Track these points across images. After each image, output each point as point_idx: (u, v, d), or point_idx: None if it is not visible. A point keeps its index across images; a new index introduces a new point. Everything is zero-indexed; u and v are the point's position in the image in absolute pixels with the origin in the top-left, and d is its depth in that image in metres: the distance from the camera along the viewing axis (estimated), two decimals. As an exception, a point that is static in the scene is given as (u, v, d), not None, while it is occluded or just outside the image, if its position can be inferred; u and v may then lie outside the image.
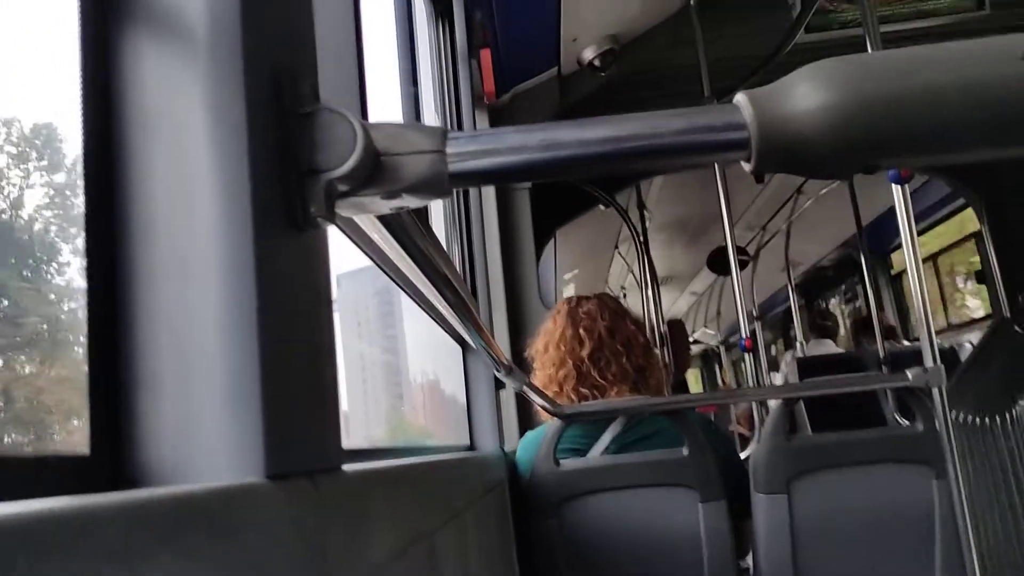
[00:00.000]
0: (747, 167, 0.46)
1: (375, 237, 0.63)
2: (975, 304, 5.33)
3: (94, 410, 0.36)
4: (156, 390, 0.37)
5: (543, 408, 1.84)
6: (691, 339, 9.80)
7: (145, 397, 0.37)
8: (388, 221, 0.61)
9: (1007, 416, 2.74)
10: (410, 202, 0.47)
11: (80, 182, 0.37)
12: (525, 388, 1.75)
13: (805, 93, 0.43)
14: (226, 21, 0.39)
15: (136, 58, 0.39)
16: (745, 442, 4.68)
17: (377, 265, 0.91)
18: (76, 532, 0.24)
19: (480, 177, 0.46)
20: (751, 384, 4.09)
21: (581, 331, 1.94)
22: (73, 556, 0.23)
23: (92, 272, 0.37)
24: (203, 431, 0.37)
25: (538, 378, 1.97)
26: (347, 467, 0.49)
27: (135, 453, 0.37)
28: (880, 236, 5.41)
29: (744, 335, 3.19)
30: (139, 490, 0.35)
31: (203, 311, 0.37)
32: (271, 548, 0.35)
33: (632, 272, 5.93)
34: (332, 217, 0.45)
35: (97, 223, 0.38)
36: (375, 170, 0.44)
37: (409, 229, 0.66)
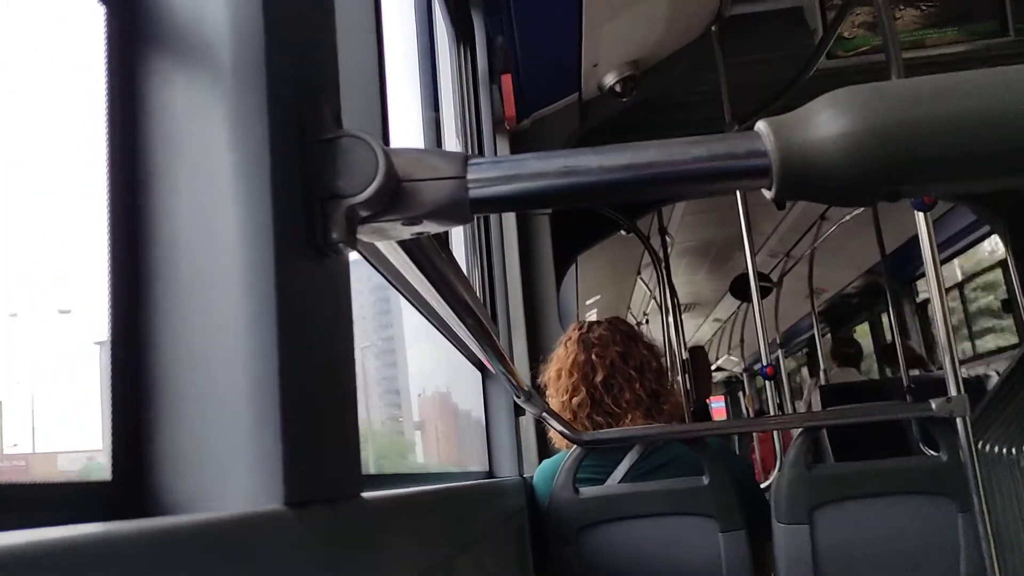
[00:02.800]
0: (768, 195, 0.46)
1: (395, 262, 0.63)
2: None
3: (116, 436, 0.36)
4: (177, 416, 0.37)
5: (561, 435, 1.82)
6: (714, 366, 9.75)
7: (166, 423, 0.37)
8: (408, 246, 0.61)
9: (1035, 447, 2.69)
10: (431, 228, 0.47)
11: (106, 205, 0.38)
12: (544, 414, 1.74)
13: (826, 121, 0.43)
14: (250, 47, 0.40)
15: (161, 82, 0.40)
16: (768, 471, 4.63)
17: (397, 290, 0.91)
18: (98, 560, 0.24)
19: (501, 203, 0.46)
20: (774, 412, 4.05)
21: (594, 357, 1.91)
22: (92, 582, 0.23)
23: (115, 296, 0.37)
24: (224, 457, 0.37)
25: (552, 406, 1.96)
26: (366, 494, 0.49)
27: (156, 479, 0.37)
28: (905, 263, 5.36)
29: (765, 362, 3.17)
30: (161, 518, 0.35)
31: (224, 336, 0.38)
32: (289, 575, 0.35)
33: (654, 298, 5.91)
34: (353, 242, 0.45)
35: (120, 247, 0.38)
36: (396, 196, 0.44)
37: (430, 254, 0.66)
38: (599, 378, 1.90)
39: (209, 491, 0.36)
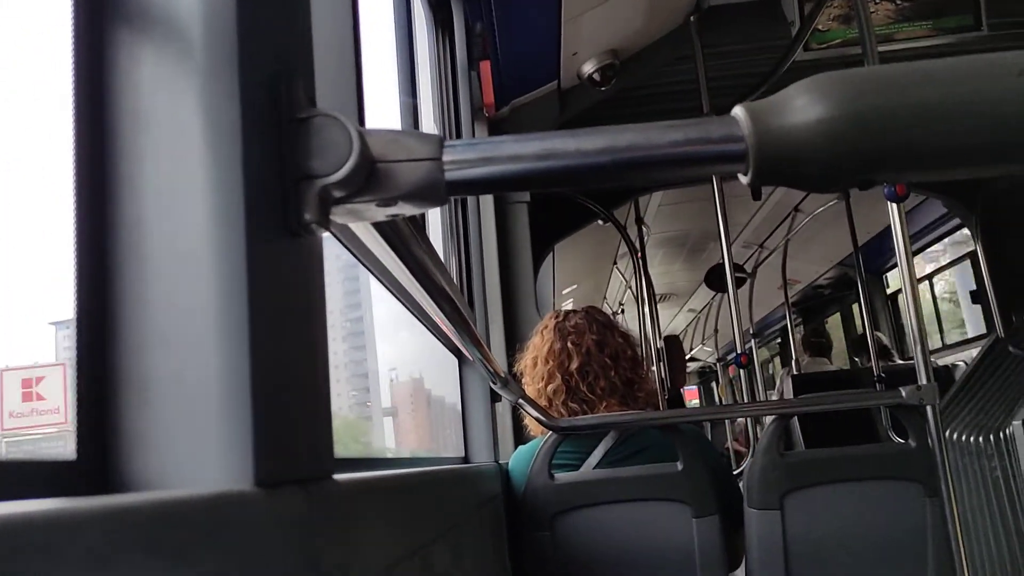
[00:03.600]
0: (744, 180, 0.46)
1: (371, 245, 0.63)
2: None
3: (82, 415, 0.36)
4: (145, 395, 0.37)
5: (537, 421, 1.83)
6: (689, 356, 9.82)
7: (134, 402, 0.37)
8: (384, 229, 0.61)
9: (1000, 436, 2.74)
10: (406, 210, 0.47)
11: (72, 184, 0.37)
12: (521, 401, 1.74)
13: (803, 106, 0.43)
14: (222, 25, 0.39)
15: (130, 61, 0.39)
16: (742, 459, 4.67)
17: (372, 273, 0.90)
18: (58, 535, 0.23)
19: (476, 186, 0.46)
20: (747, 400, 4.09)
21: (569, 345, 1.93)
22: (54, 559, 0.23)
23: (81, 276, 0.37)
24: (192, 437, 0.36)
25: (528, 392, 1.97)
26: (339, 476, 0.49)
27: (123, 459, 0.36)
28: (877, 255, 5.43)
29: (739, 351, 3.19)
30: (124, 494, 0.34)
31: (194, 316, 0.37)
32: (259, 556, 0.35)
33: (630, 288, 5.93)
34: (326, 223, 0.44)
35: (88, 226, 0.37)
36: (371, 177, 0.44)
37: (405, 237, 0.65)
38: (574, 366, 1.91)
39: (177, 472, 0.36)
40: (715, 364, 10.37)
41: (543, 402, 1.92)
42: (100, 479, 0.36)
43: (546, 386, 1.93)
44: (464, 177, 0.45)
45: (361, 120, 0.78)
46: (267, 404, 0.38)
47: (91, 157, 0.38)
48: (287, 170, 0.42)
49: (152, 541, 0.27)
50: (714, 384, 11.80)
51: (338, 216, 0.46)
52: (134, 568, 0.26)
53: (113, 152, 0.38)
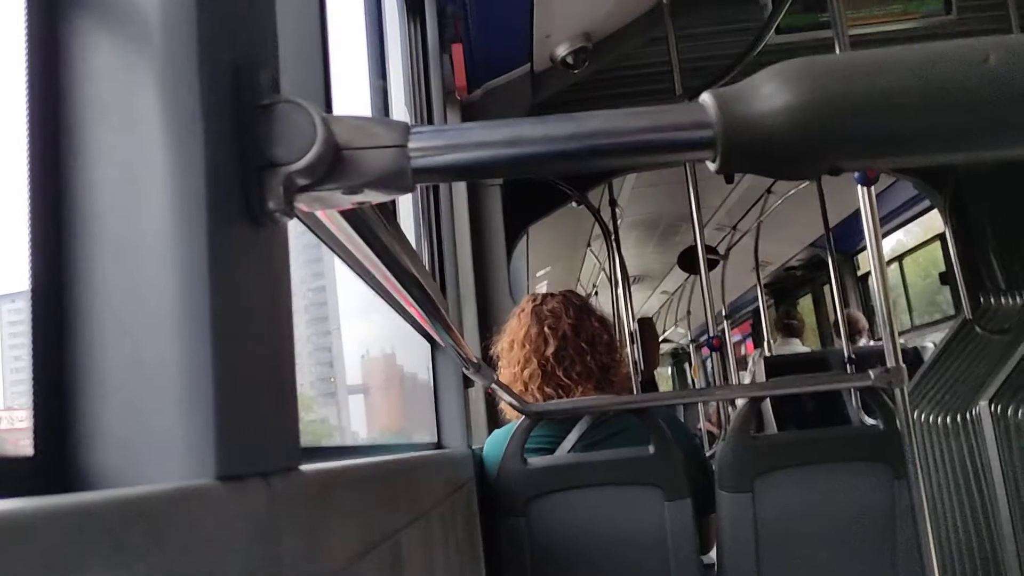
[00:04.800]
0: (712, 167, 0.46)
1: (338, 232, 0.62)
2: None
3: (38, 409, 0.35)
4: (103, 389, 0.36)
5: (511, 406, 1.83)
6: (661, 338, 9.87)
7: (92, 396, 0.36)
8: (351, 216, 0.60)
9: (967, 416, 2.79)
10: (372, 197, 0.46)
11: (25, 173, 0.36)
12: (494, 386, 1.74)
13: (771, 93, 0.43)
14: (181, 10, 0.38)
15: (86, 48, 0.38)
16: (715, 439, 4.71)
17: (343, 260, 0.90)
18: (15, 535, 0.23)
19: (443, 173, 0.46)
20: (719, 383, 4.13)
21: (546, 329, 1.93)
22: (11, 560, 0.22)
23: (36, 266, 0.36)
24: (152, 431, 0.36)
25: (503, 376, 1.97)
26: (305, 467, 0.48)
27: (81, 454, 0.35)
28: (848, 237, 5.48)
29: (712, 334, 3.22)
30: (83, 493, 0.34)
31: (153, 307, 0.36)
32: (222, 552, 0.34)
33: (604, 270, 5.95)
34: (291, 211, 0.44)
35: (42, 216, 0.36)
36: (336, 164, 0.43)
37: (373, 224, 0.65)
38: (550, 350, 1.91)
39: (137, 465, 0.35)
40: (688, 346, 10.45)
41: (519, 386, 1.93)
42: (58, 475, 0.35)
43: (522, 370, 1.93)
44: (431, 164, 0.44)
45: (328, 106, 0.77)
46: (230, 395, 0.37)
47: (45, 147, 0.37)
48: (250, 158, 0.41)
49: (114, 540, 0.27)
50: (687, 365, 11.89)
51: (303, 204, 0.45)
52: (94, 567, 0.26)
53: (69, 141, 0.37)
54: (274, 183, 0.42)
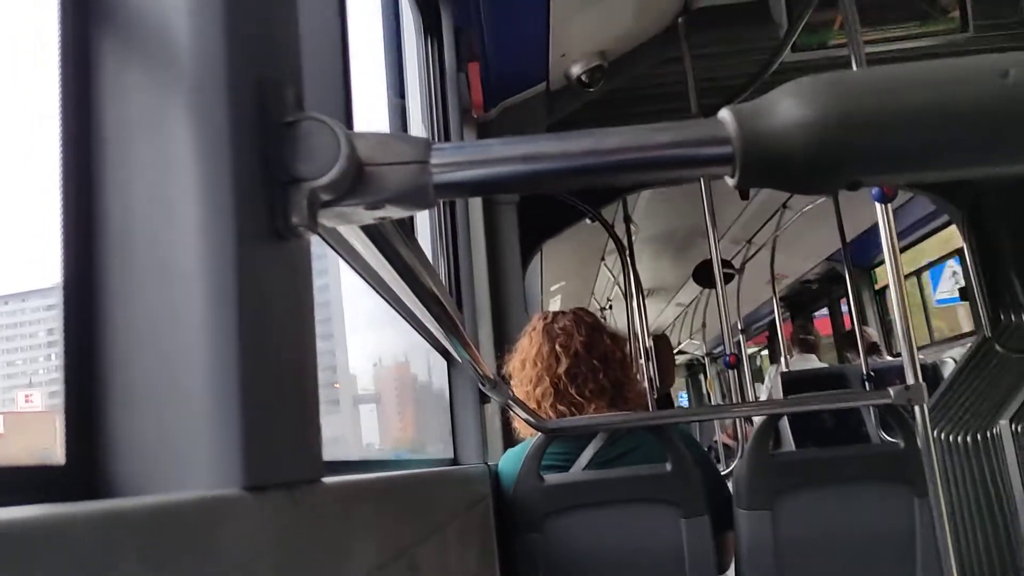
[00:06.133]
0: (731, 182, 0.46)
1: (359, 248, 0.63)
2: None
3: (70, 419, 0.36)
4: (133, 399, 0.37)
5: (526, 422, 1.83)
6: (676, 350, 9.84)
7: (122, 406, 0.37)
8: (372, 232, 0.61)
9: (988, 435, 2.76)
10: (394, 213, 0.47)
11: (59, 189, 0.37)
12: (510, 402, 1.74)
13: (789, 109, 0.43)
14: (209, 29, 0.39)
15: (117, 66, 0.39)
16: (731, 453, 4.68)
17: (361, 276, 0.90)
18: (47, 542, 0.23)
19: (464, 189, 0.46)
20: (736, 397, 4.10)
21: (558, 347, 1.93)
22: (43, 566, 0.23)
23: (69, 279, 0.37)
24: (181, 441, 0.36)
25: (516, 394, 1.96)
26: (327, 479, 0.49)
27: (111, 463, 0.36)
28: (864, 251, 5.45)
29: (728, 351, 3.20)
30: (113, 500, 0.34)
31: (182, 320, 0.37)
32: (247, 560, 0.35)
33: (618, 285, 5.94)
34: (314, 227, 0.44)
35: (75, 231, 0.37)
36: (358, 180, 0.44)
37: (393, 240, 0.65)
38: (562, 368, 1.91)
39: (165, 475, 0.36)
40: (703, 358, 10.40)
41: (532, 404, 1.92)
42: (89, 484, 0.36)
43: (534, 389, 1.93)
44: (452, 180, 0.45)
45: (349, 123, 0.78)
46: (256, 407, 0.38)
47: (79, 163, 0.38)
48: (275, 173, 0.42)
49: (141, 546, 0.27)
50: (702, 377, 11.83)
51: (326, 219, 0.46)
52: (123, 573, 0.26)
53: (101, 157, 0.38)
54: (298, 198, 0.43)
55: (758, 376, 7.69)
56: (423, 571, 0.81)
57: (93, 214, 0.38)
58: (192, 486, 0.35)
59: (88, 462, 0.36)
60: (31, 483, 0.34)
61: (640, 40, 3.04)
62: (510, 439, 2.30)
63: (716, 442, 5.74)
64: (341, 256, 0.79)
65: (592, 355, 1.92)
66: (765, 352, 9.47)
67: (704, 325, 8.49)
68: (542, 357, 1.93)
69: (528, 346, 1.98)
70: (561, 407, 1.90)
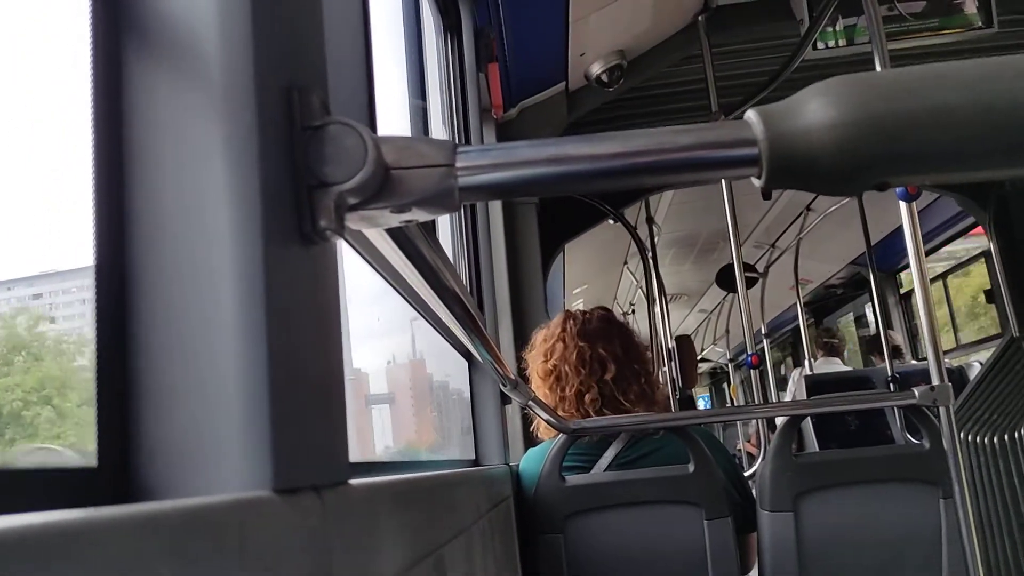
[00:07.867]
0: (757, 183, 0.46)
1: (384, 250, 0.63)
2: None
3: (102, 422, 0.36)
4: (164, 403, 0.37)
5: (548, 423, 1.82)
6: (700, 357, 9.80)
7: (153, 410, 0.37)
8: (397, 234, 0.61)
9: (1015, 436, 2.73)
10: (419, 215, 0.47)
11: (91, 195, 0.37)
12: (531, 403, 1.74)
13: (816, 110, 0.43)
14: (237, 35, 0.39)
15: (147, 71, 0.39)
16: (753, 461, 4.65)
17: (384, 278, 0.91)
18: (81, 544, 0.24)
19: (489, 191, 0.46)
20: (759, 400, 4.08)
21: (601, 351, 1.89)
22: (78, 569, 0.23)
23: (101, 284, 0.37)
24: (211, 444, 0.37)
25: (548, 400, 1.93)
26: (354, 481, 0.49)
27: (143, 466, 0.37)
28: (890, 254, 5.40)
29: (751, 352, 3.18)
30: (146, 503, 0.35)
31: (212, 323, 0.37)
32: (278, 562, 0.35)
33: (641, 288, 5.92)
34: (341, 230, 0.45)
35: (107, 235, 0.38)
36: (385, 183, 0.44)
37: (418, 243, 0.66)
38: (609, 375, 1.87)
39: (196, 478, 0.36)
40: (727, 365, 10.34)
41: (568, 408, 1.89)
42: (121, 486, 0.36)
43: (574, 394, 1.88)
44: (477, 183, 0.45)
45: (373, 126, 0.78)
46: (285, 410, 0.38)
47: (110, 169, 0.38)
48: (302, 178, 0.43)
49: (174, 548, 0.27)
50: (725, 385, 11.77)
51: (352, 222, 0.46)
52: (156, 575, 0.26)
53: (131, 162, 0.39)
54: (325, 202, 0.43)
55: (782, 386, 7.63)
56: (449, 572, 0.81)
57: (124, 219, 0.38)
58: (222, 489, 0.36)
59: (119, 465, 0.36)
60: (65, 485, 0.34)
61: (660, 38, 3.03)
62: (531, 441, 2.30)
63: (740, 450, 5.71)
64: (364, 258, 0.79)
65: (631, 359, 1.90)
66: (789, 360, 9.40)
67: (727, 332, 8.45)
68: (584, 361, 1.89)
69: (563, 350, 1.92)
70: (608, 412, 1.86)
